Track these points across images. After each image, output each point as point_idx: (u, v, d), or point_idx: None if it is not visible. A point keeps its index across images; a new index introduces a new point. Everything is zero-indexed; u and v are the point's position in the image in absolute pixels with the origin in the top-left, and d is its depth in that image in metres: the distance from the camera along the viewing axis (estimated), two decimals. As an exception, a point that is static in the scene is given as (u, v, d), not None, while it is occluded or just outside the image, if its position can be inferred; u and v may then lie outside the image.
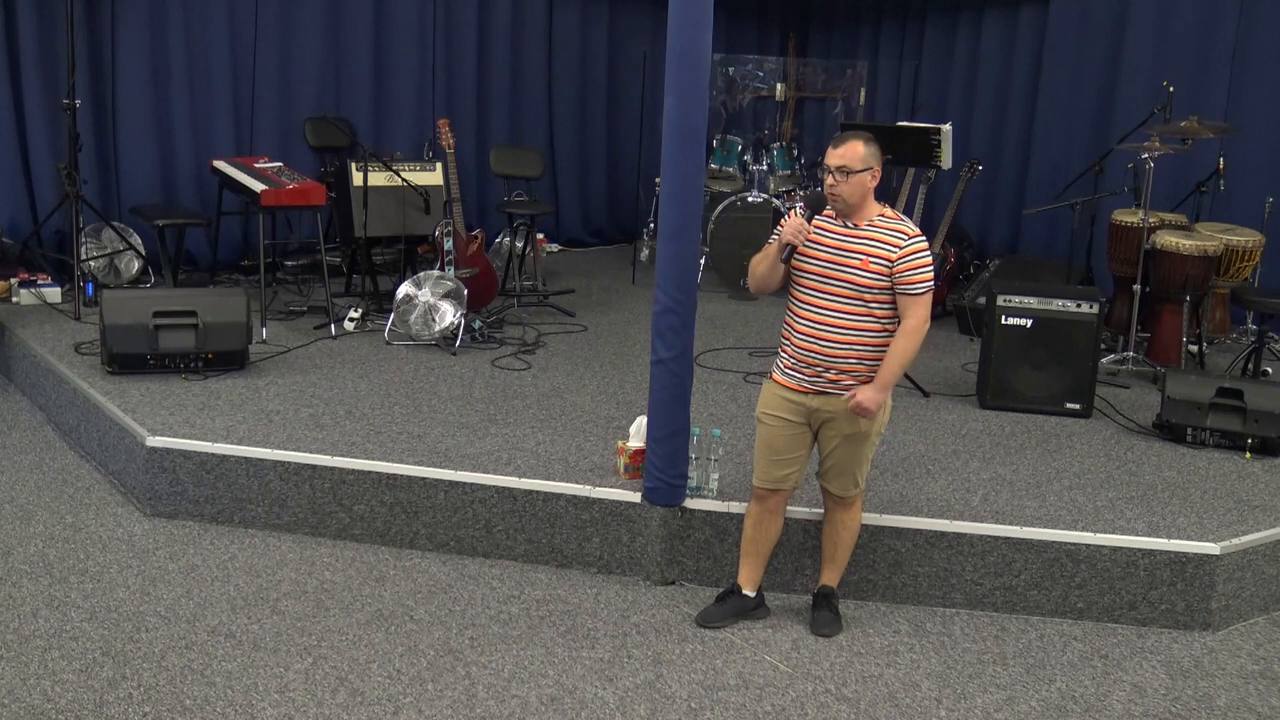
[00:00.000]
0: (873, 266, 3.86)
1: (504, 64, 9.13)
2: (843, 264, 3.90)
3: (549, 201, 9.07)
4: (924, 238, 3.92)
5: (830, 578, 4.30)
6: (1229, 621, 4.41)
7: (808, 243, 3.95)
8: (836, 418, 3.99)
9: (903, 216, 3.97)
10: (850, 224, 3.93)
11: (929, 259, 3.88)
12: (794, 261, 3.98)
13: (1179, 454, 5.32)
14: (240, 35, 7.82)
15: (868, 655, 4.10)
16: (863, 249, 3.88)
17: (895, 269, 3.85)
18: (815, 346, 3.94)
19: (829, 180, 3.89)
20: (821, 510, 4.39)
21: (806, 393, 4.00)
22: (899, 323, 3.93)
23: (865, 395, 3.90)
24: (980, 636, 4.26)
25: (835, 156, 3.87)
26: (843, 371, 3.94)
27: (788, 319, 4.05)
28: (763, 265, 4.04)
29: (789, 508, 4.36)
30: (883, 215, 3.93)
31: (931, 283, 3.89)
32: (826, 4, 10.20)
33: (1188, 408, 5.41)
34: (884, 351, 3.93)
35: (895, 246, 3.86)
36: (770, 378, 4.12)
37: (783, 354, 4.07)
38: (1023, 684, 3.96)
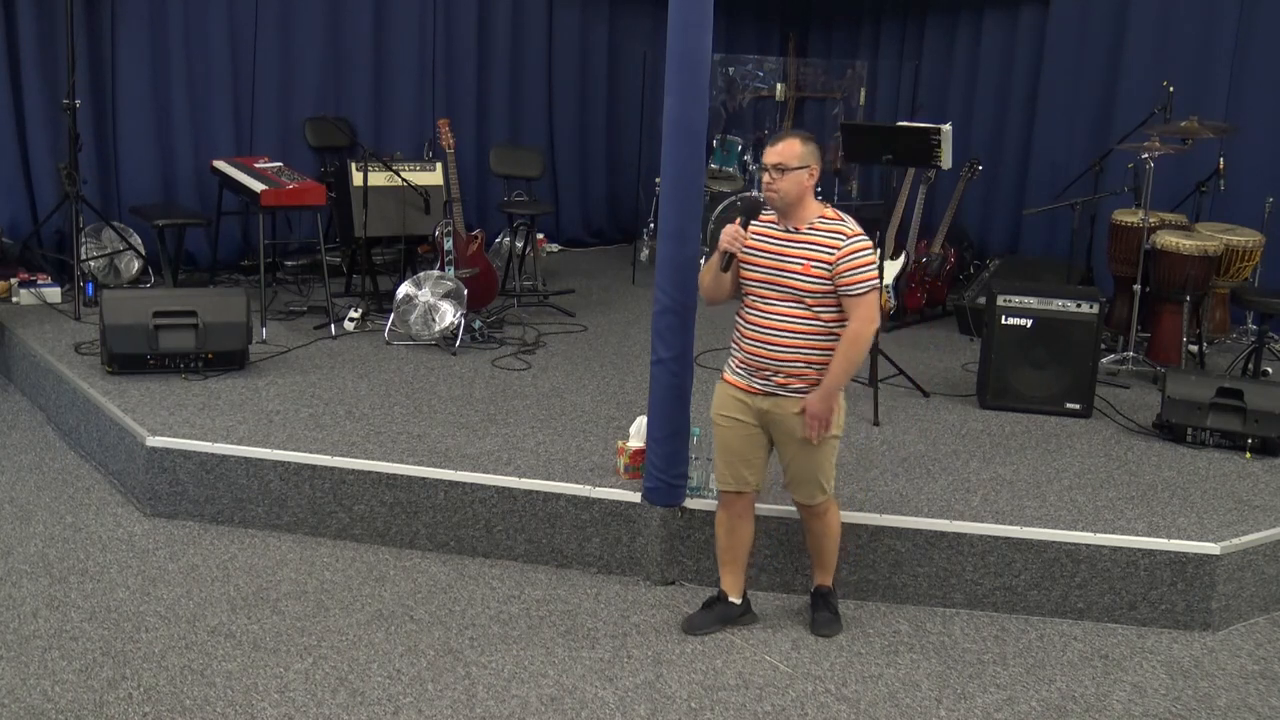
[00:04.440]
0: (815, 271, 3.80)
1: (504, 64, 9.14)
2: (784, 269, 3.84)
3: (549, 201, 9.08)
4: (865, 236, 3.83)
5: (823, 578, 4.27)
6: (1229, 621, 4.41)
7: (748, 249, 3.90)
8: (787, 419, 3.92)
9: (844, 216, 3.88)
10: (791, 227, 3.87)
11: (871, 257, 3.80)
12: (740, 269, 3.93)
13: (1179, 454, 5.32)
14: (240, 35, 7.83)
15: (868, 655, 4.10)
16: (803, 253, 3.82)
17: (835, 270, 3.78)
18: (762, 351, 3.89)
19: (766, 178, 3.84)
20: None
21: (756, 393, 3.95)
22: (845, 324, 3.84)
23: (813, 405, 3.84)
24: (980, 636, 4.26)
25: (773, 154, 3.82)
26: (791, 375, 3.88)
27: (737, 322, 4.00)
28: (708, 276, 3.99)
29: (789, 508, 4.37)
30: (823, 216, 3.86)
31: (874, 282, 3.80)
32: (826, 4, 10.21)
33: (1188, 408, 5.41)
34: (831, 356, 3.86)
35: (834, 248, 3.79)
36: (722, 378, 4.09)
37: (732, 356, 4.03)
38: (1023, 684, 3.96)
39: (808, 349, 3.85)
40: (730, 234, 3.87)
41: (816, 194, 3.94)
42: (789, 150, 3.81)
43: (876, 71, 9.70)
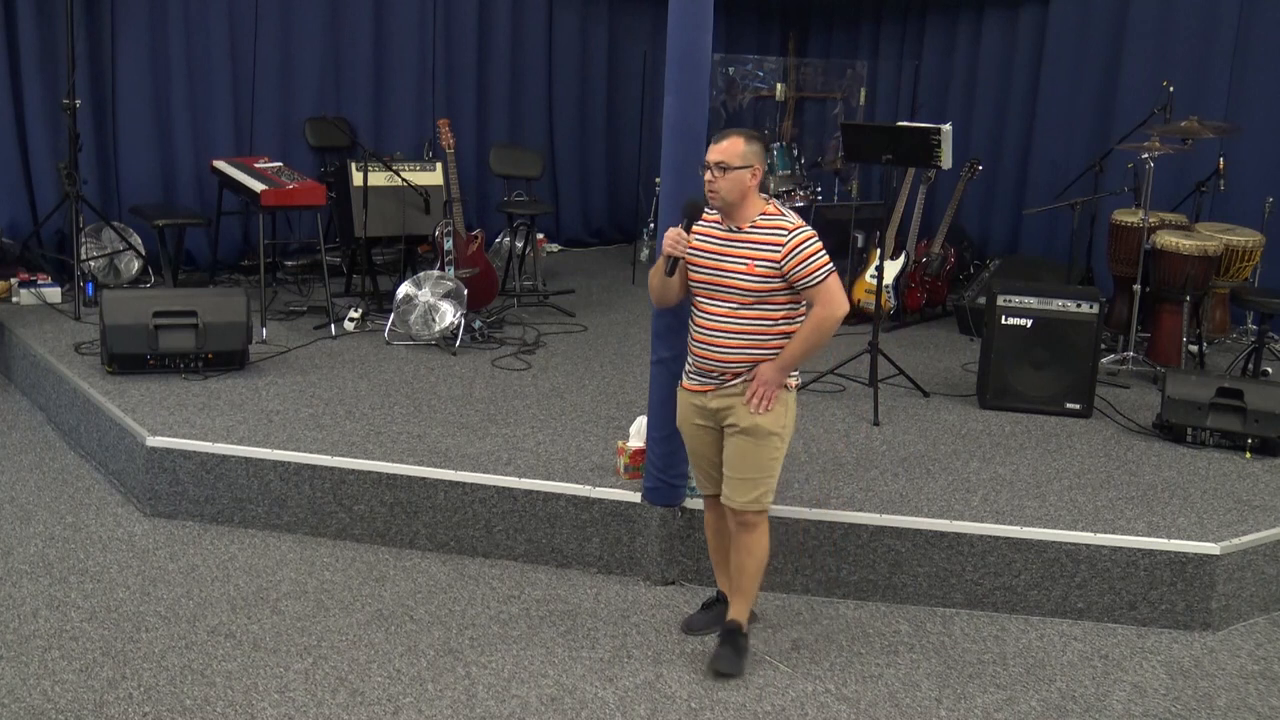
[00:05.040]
0: (759, 270, 3.68)
1: (504, 64, 9.13)
2: (728, 270, 3.72)
3: (549, 201, 9.08)
4: (806, 227, 3.71)
5: (737, 610, 3.99)
6: (1229, 621, 4.41)
7: (692, 250, 3.79)
8: (735, 408, 3.80)
9: (784, 210, 3.78)
10: (733, 227, 3.75)
11: (817, 245, 3.67)
12: (687, 271, 3.82)
13: (1179, 454, 5.32)
14: (240, 35, 7.83)
15: (868, 655, 4.10)
16: (746, 253, 3.71)
17: (785, 268, 3.66)
18: (710, 354, 3.79)
19: (707, 176, 3.71)
20: (819, 509, 4.40)
21: (707, 392, 3.85)
22: (794, 321, 3.75)
23: (764, 371, 3.73)
24: (980, 636, 4.26)
25: (715, 151, 3.69)
26: (738, 375, 3.78)
27: (689, 325, 3.91)
28: (655, 280, 3.88)
29: (788, 508, 4.37)
30: (764, 214, 3.73)
31: (828, 267, 3.67)
32: (826, 4, 10.20)
33: (1188, 408, 5.40)
34: (781, 354, 3.75)
35: (778, 245, 3.66)
36: (680, 384, 3.99)
37: (687, 360, 3.94)
38: (1023, 684, 3.96)
39: (755, 349, 3.75)
40: (672, 237, 3.75)
41: (772, 195, 3.87)
42: (731, 149, 3.67)
43: (876, 71, 9.70)
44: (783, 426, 3.83)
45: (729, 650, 3.94)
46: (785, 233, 3.68)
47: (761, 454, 3.81)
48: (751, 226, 3.73)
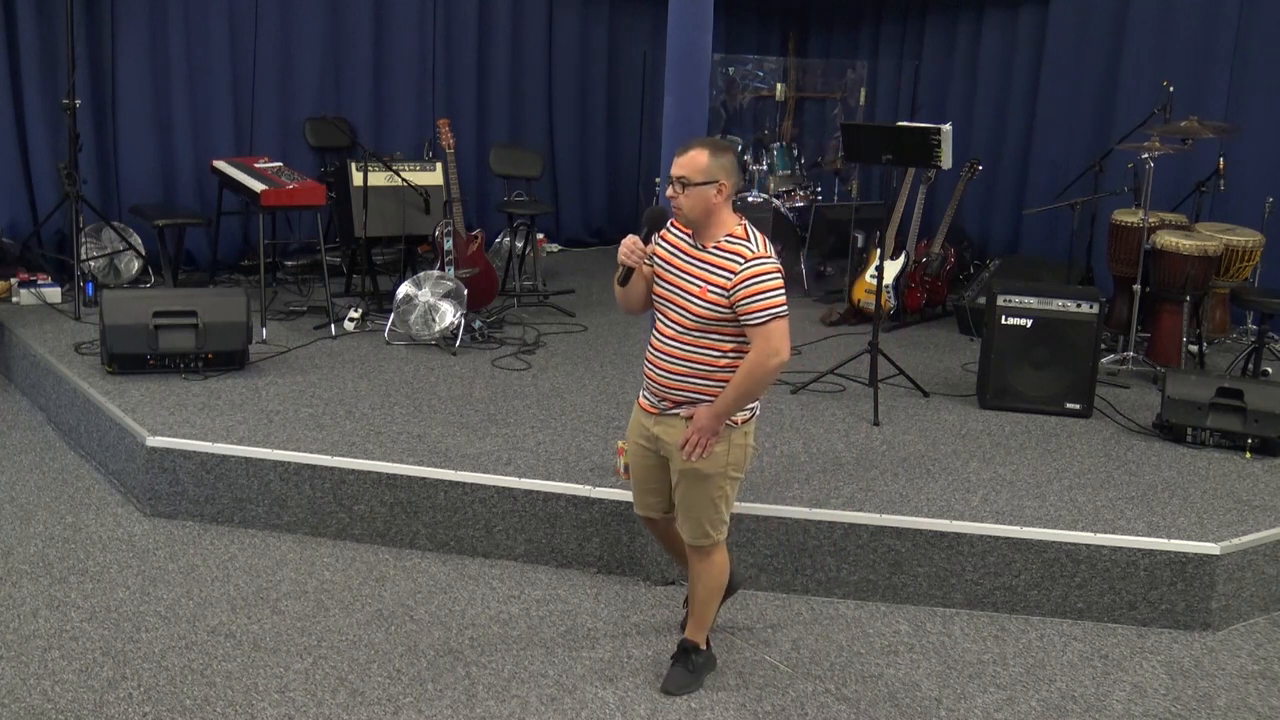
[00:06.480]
0: (710, 296, 3.42)
1: (504, 64, 9.14)
2: (683, 289, 3.49)
3: (549, 201, 9.08)
4: (770, 258, 3.42)
5: (692, 631, 3.85)
6: (1229, 621, 4.41)
7: (659, 260, 3.58)
8: (673, 450, 3.59)
9: (753, 234, 3.48)
10: (699, 244, 3.50)
11: (773, 282, 3.38)
12: (653, 283, 3.62)
13: (1179, 454, 5.32)
14: (240, 35, 7.83)
15: (868, 655, 4.10)
16: (702, 274, 3.45)
17: (734, 297, 3.39)
18: (654, 375, 3.58)
19: (669, 191, 3.47)
20: (819, 509, 4.39)
21: (653, 414, 3.64)
22: (743, 358, 3.47)
23: (700, 417, 3.49)
24: (980, 636, 4.26)
25: (676, 165, 3.44)
26: (678, 404, 3.56)
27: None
28: (616, 286, 3.66)
29: (788, 508, 4.37)
30: (731, 235, 3.46)
31: (777, 310, 3.39)
32: (826, 4, 10.21)
33: (1188, 408, 5.40)
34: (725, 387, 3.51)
35: (731, 272, 3.39)
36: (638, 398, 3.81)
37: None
38: (1023, 684, 3.96)
39: (698, 379, 3.51)
40: (628, 245, 3.52)
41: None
42: (693, 163, 3.41)
43: (876, 71, 9.70)
44: (725, 465, 3.58)
45: (679, 670, 3.82)
46: (742, 261, 3.40)
47: (702, 495, 3.62)
48: (715, 247, 3.47)
